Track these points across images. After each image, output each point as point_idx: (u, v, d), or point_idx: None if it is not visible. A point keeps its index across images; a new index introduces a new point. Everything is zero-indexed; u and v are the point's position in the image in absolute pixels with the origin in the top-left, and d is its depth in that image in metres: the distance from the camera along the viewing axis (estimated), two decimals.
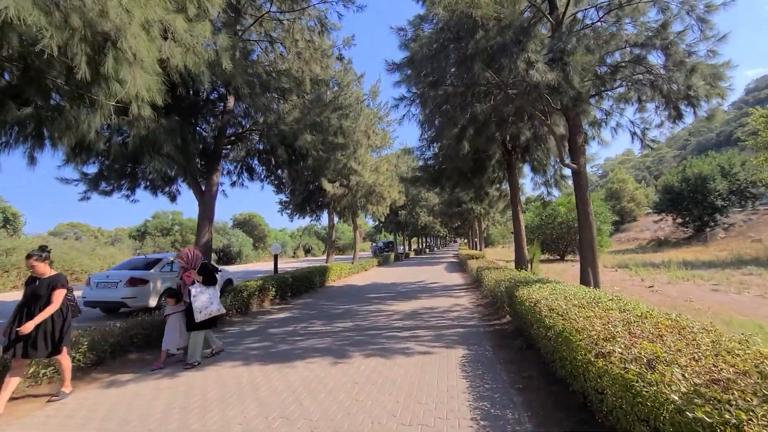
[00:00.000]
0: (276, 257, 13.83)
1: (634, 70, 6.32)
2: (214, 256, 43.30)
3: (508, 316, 6.99)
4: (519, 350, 5.03)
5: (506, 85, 6.70)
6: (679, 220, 38.01)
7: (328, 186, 16.92)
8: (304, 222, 78.64)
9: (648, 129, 7.67)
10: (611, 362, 2.37)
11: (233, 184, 11.71)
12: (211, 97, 9.56)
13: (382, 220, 29.58)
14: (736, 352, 2.16)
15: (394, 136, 20.71)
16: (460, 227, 43.75)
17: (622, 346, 2.48)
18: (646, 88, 6.27)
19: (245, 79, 7.40)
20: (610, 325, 2.94)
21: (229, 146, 10.06)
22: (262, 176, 11.89)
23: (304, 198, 19.35)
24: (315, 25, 10.27)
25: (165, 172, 10.16)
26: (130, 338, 5.67)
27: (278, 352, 5.59)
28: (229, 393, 4.03)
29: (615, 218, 34.00)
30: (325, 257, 56.39)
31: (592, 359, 2.56)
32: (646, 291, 11.48)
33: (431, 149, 12.71)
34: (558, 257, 28.46)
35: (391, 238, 45.15)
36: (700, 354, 2.19)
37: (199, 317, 5.00)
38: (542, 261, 25.96)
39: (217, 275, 11.71)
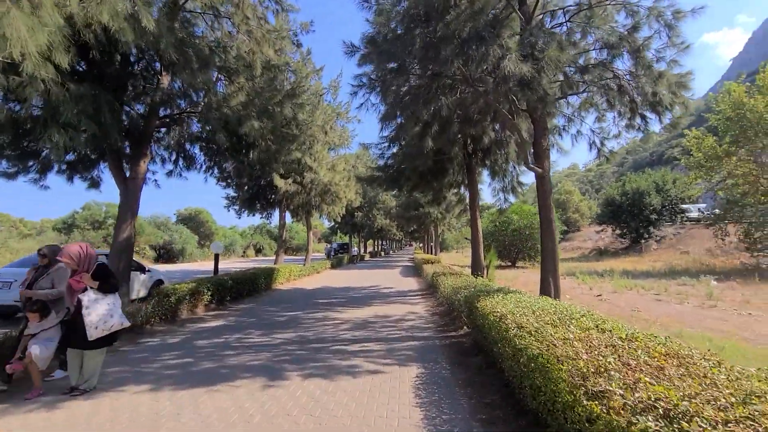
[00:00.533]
0: (217, 257, 12.58)
1: (602, 75, 6.13)
2: (152, 253, 40.03)
3: (465, 327, 6.51)
4: (479, 369, 4.51)
5: (473, 80, 6.25)
6: (618, 232, 40.69)
7: (280, 182, 15.82)
8: (256, 220, 75.49)
9: (606, 138, 7.62)
10: (611, 408, 1.82)
11: (169, 173, 10.39)
12: (143, 71, 8.31)
13: (338, 221, 28.68)
14: (766, 396, 1.69)
15: (353, 134, 19.95)
16: (416, 231, 43.78)
17: (621, 384, 1.95)
18: (613, 92, 6.10)
19: (176, 47, 6.36)
20: (597, 353, 2.43)
21: (162, 129, 8.82)
22: (204, 166, 10.68)
23: (254, 194, 18.03)
24: (270, 3, 9.34)
25: (83, 153, 8.76)
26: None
27: (200, 372, 4.66)
28: None
29: (563, 228, 35.53)
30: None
31: (584, 401, 2.00)
32: (595, 300, 11.65)
33: (392, 148, 12.16)
34: (509, 263, 29.13)
35: (346, 239, 44.23)
36: (723, 400, 1.69)
37: (94, 334, 3.93)
38: (496, 267, 26.50)
39: (144, 275, 10.35)
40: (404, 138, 11.11)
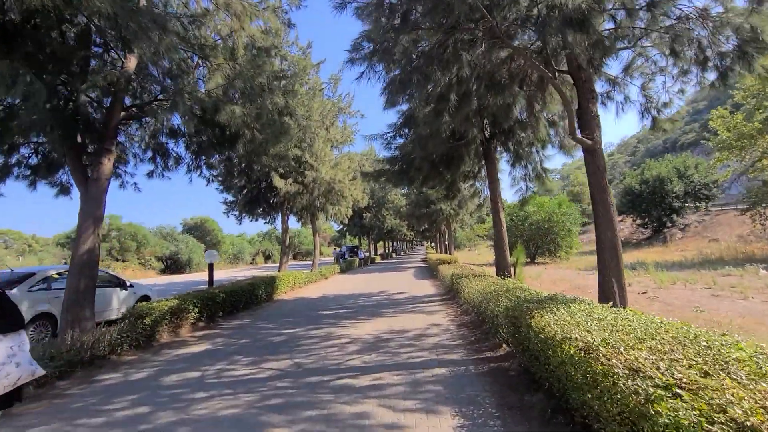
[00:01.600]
0: (211, 267, 11.33)
1: (666, 13, 4.70)
2: (159, 264, 39.19)
3: (505, 345, 5.12)
4: (545, 418, 3.11)
5: (501, 32, 4.88)
6: (639, 222, 38.80)
7: (279, 182, 14.57)
8: (264, 226, 74.99)
9: (665, 106, 6.14)
10: None
11: (150, 174, 9.16)
12: (103, 54, 7.10)
13: (345, 222, 27.41)
14: None
15: (356, 129, 18.66)
16: (427, 230, 42.31)
17: None
18: (682, 38, 4.68)
19: (133, 16, 5.10)
20: None
21: (131, 121, 7.59)
22: (189, 165, 9.44)
23: (254, 197, 16.83)
24: None
25: (45, 154, 7.59)
26: None
27: None
28: None
29: (584, 219, 33.76)
30: (288, 262, 53.15)
31: None
32: (641, 299, 10.12)
33: (398, 138, 10.82)
34: (528, 260, 27.52)
35: (356, 242, 42.91)
36: None
37: None
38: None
39: (126, 291, 9.13)
40: (412, 121, 9.77)
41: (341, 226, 38.52)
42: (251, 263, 53.00)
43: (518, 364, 4.41)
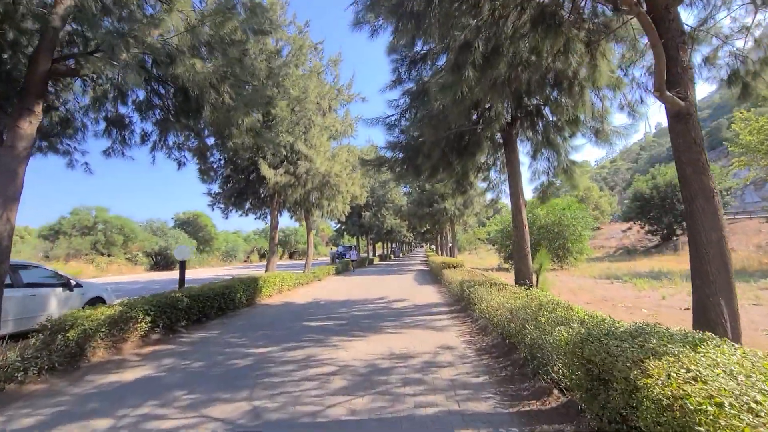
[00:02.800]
0: (182, 265, 9.75)
1: None
2: (148, 260, 37.52)
3: (558, 391, 3.55)
4: None
5: None
6: (648, 228, 37.36)
7: (268, 172, 12.99)
8: (260, 223, 73.53)
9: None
10: None
11: (107, 152, 7.58)
12: None
13: (342, 220, 25.82)
14: None
15: (356, 119, 17.10)
16: (428, 232, 40.72)
17: None
18: None
19: None
20: None
21: (63, 77, 6.02)
22: (155, 143, 7.85)
23: (241, 189, 15.25)
24: None
25: None
26: None
27: None
28: None
29: (595, 224, 32.12)
30: (281, 262, 51.32)
31: None
32: (683, 315, 8.58)
33: (405, 120, 9.22)
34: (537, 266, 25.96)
35: (354, 242, 41.30)
36: None
37: None
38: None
39: (71, 292, 7.51)
40: (422, 99, 8.21)
41: (339, 225, 36.92)
42: (245, 261, 51.36)
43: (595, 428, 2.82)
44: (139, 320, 6.18)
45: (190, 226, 43.21)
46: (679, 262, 26.63)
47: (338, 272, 22.51)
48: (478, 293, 7.54)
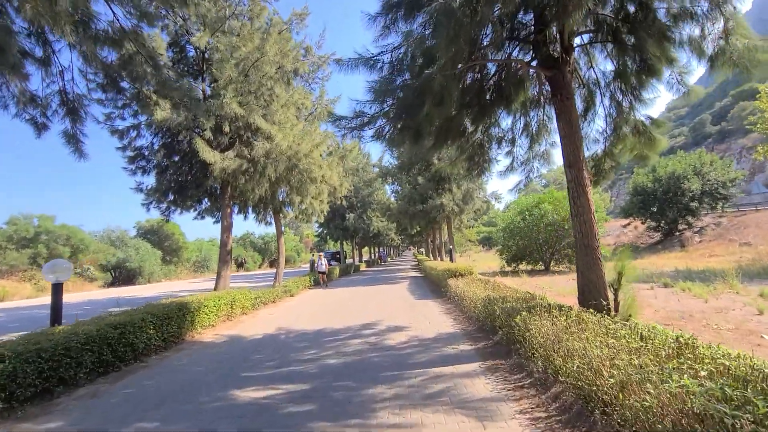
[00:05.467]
0: (57, 289, 6.17)
1: None
2: (103, 275, 33.08)
3: None
4: None
5: None
6: (653, 224, 35.06)
7: (209, 154, 9.47)
8: (238, 230, 69.80)
9: None
10: None
11: None
12: None
13: (321, 221, 22.33)
14: None
15: (334, 96, 13.69)
16: (418, 234, 37.49)
17: None
18: None
19: None
20: None
21: None
22: None
23: (184, 180, 11.68)
24: None
25: None
26: None
27: None
28: None
29: (606, 216, 29.28)
30: (261, 271, 47.08)
31: None
32: None
33: (403, 50, 5.97)
34: (543, 268, 22.93)
35: (339, 247, 37.67)
36: None
37: None
38: (520, 272, 19.95)
39: None
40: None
41: (320, 229, 33.33)
42: None
43: None
44: None
45: (155, 235, 38.87)
46: (692, 259, 24.01)
47: (317, 283, 18.98)
48: (536, 329, 4.27)
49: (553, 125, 7.92)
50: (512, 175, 8.67)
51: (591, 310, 4.81)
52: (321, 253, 19.77)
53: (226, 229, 11.40)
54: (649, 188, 34.37)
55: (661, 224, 34.95)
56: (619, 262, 5.45)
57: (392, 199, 29.24)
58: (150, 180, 12.01)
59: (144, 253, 33.54)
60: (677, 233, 34.29)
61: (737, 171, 36.18)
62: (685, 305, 9.19)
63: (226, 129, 10.09)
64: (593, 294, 5.34)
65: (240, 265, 52.49)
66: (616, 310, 5.20)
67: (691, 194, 32.49)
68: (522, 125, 7.78)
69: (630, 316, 5.12)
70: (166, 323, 6.76)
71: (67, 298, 21.17)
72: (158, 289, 25.07)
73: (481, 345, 5.84)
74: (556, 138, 8.20)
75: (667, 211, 33.85)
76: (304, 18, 11.64)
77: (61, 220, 36.43)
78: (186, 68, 11.82)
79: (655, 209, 33.58)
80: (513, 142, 8.01)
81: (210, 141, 10.19)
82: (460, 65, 5.29)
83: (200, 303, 7.90)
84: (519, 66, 5.84)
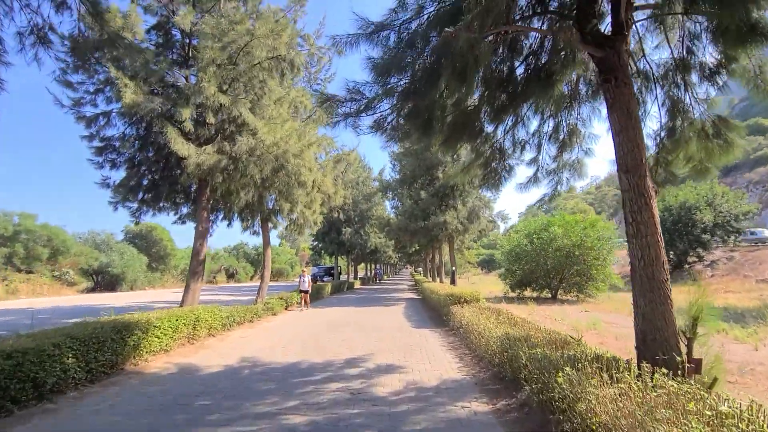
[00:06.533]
0: None
1: None
2: (87, 279, 31.32)
3: None
4: None
5: None
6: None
7: (183, 147, 8.13)
8: (230, 240, 67.99)
9: None
10: None
11: None
12: None
13: (313, 232, 20.87)
14: None
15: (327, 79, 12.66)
16: (416, 253, 35.92)
17: None
18: None
19: None
20: None
21: None
22: None
23: (157, 178, 10.31)
24: None
25: None
26: None
27: None
28: None
29: (618, 238, 27.72)
30: (253, 283, 45.21)
31: None
32: None
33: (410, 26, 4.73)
34: (549, 296, 21.37)
35: (344, 263, 36.01)
36: None
37: None
38: (526, 299, 18.22)
39: None
40: None
41: (315, 242, 31.80)
42: (210, 282, 45.22)
43: None
44: None
45: (142, 240, 37.26)
46: (707, 295, 22.48)
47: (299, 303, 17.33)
48: (595, 400, 2.81)
49: (587, 130, 6.63)
50: (534, 188, 7.27)
51: (663, 369, 3.35)
52: (305, 269, 18.11)
53: (201, 236, 9.95)
54: (660, 218, 33.13)
55: (670, 255, 33.49)
56: (695, 308, 4.00)
57: (392, 215, 27.86)
58: (120, 175, 10.65)
59: (129, 259, 31.90)
60: (686, 266, 32.89)
61: (750, 204, 35.01)
62: (733, 353, 7.71)
63: (210, 120, 8.78)
64: (662, 345, 3.87)
65: (231, 276, 50.69)
66: (697, 371, 3.72)
67: (702, 226, 31.14)
68: (551, 127, 6.46)
69: (716, 379, 3.65)
70: (95, 349, 5.25)
71: (27, 303, 19.11)
72: (136, 298, 23.41)
73: (501, 405, 4.33)
74: (591, 144, 6.90)
75: (677, 242, 32.42)
76: (303, 4, 10.50)
77: (54, 222, 34.96)
78: (171, 55, 10.64)
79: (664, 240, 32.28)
80: (539, 147, 6.66)
81: (189, 134, 8.88)
82: (490, 30, 3.98)
83: (149, 323, 6.38)
84: (562, 42, 4.53)
